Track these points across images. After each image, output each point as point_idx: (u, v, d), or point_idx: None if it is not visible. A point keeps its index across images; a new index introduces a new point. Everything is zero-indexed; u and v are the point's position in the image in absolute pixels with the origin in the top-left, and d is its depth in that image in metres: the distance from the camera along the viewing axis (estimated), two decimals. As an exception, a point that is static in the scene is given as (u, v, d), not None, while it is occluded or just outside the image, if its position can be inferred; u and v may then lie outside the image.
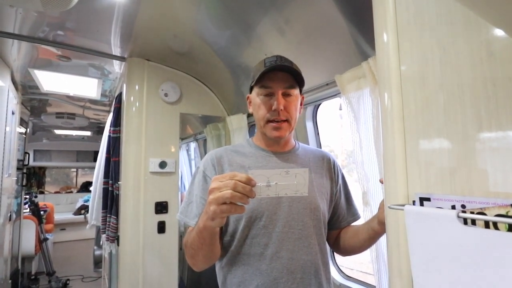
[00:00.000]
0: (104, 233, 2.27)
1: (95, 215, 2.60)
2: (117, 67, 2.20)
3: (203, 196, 0.88)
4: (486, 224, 0.44)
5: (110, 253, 2.36)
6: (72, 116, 3.64)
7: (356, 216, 1.03)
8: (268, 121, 0.89)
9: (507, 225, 0.42)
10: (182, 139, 3.28)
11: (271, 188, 0.67)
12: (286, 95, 0.89)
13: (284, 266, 0.84)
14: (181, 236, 2.17)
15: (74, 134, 5.17)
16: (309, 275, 0.85)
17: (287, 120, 0.90)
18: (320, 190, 0.93)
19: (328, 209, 0.96)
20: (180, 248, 2.11)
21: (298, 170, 0.68)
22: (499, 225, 0.42)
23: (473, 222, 0.45)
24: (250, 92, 0.96)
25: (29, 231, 3.51)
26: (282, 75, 0.89)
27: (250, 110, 0.97)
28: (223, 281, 0.90)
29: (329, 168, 1.00)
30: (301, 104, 0.97)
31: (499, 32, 0.47)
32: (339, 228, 1.02)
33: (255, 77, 0.90)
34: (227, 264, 0.89)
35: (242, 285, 0.85)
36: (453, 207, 0.50)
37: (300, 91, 0.95)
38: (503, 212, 0.43)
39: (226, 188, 0.63)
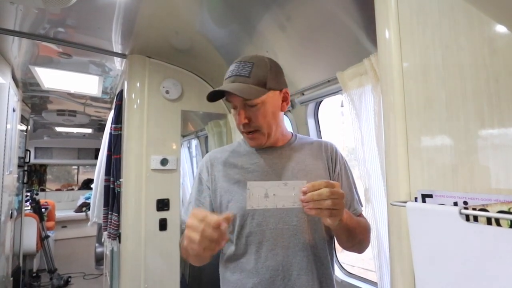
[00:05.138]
0: (106, 231, 2.27)
1: (96, 212, 2.60)
2: (118, 64, 2.20)
3: (198, 197, 0.95)
4: (488, 221, 0.44)
5: (112, 251, 2.37)
6: (73, 113, 3.64)
7: (358, 209, 0.94)
8: (243, 132, 0.90)
9: (509, 222, 0.42)
10: (183, 136, 3.29)
11: (269, 200, 0.69)
12: (250, 106, 0.85)
13: (280, 264, 0.83)
14: (182, 234, 2.17)
15: (75, 132, 5.17)
16: (306, 272, 0.84)
17: (258, 130, 0.87)
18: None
19: None
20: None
21: (297, 182, 0.69)
22: (501, 221, 0.43)
23: (475, 218, 0.45)
24: None
25: (30, 228, 3.52)
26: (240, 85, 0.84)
27: None
28: (223, 277, 0.92)
29: (326, 158, 0.95)
30: (285, 100, 0.92)
31: (501, 29, 0.47)
32: None
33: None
34: (226, 261, 0.91)
35: (240, 283, 0.86)
36: (455, 204, 0.50)
37: (273, 87, 0.88)
38: (505, 208, 0.43)
39: (196, 232, 0.64)
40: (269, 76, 0.86)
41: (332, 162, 0.95)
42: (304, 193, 0.68)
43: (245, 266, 0.86)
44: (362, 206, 0.98)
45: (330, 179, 0.91)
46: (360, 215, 0.95)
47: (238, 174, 0.92)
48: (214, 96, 0.86)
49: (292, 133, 1.01)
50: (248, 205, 0.71)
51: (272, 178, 0.89)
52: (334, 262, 0.94)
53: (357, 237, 0.87)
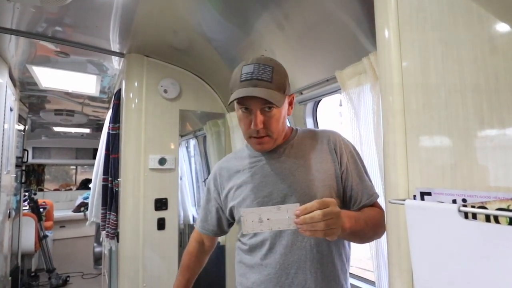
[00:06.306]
0: (104, 230, 2.27)
1: (94, 212, 2.60)
2: (116, 63, 2.19)
3: (206, 205, 1.06)
4: (487, 218, 0.44)
5: (110, 250, 2.36)
6: (71, 113, 3.62)
7: (372, 197, 0.90)
8: (250, 137, 0.89)
9: (508, 219, 0.42)
10: (181, 136, 3.28)
11: (263, 224, 0.72)
12: (266, 110, 0.85)
13: (277, 262, 0.85)
14: (180, 233, 2.17)
15: (73, 131, 5.15)
16: (303, 270, 0.84)
17: (268, 135, 0.87)
18: (318, 178, 0.88)
19: (336, 195, 0.89)
20: (180, 245, 2.11)
21: (289, 206, 0.70)
22: (500, 218, 0.42)
23: (474, 216, 0.45)
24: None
25: (28, 228, 3.50)
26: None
27: (236, 115, 0.95)
28: (236, 267, 0.98)
29: (330, 150, 0.91)
30: (290, 104, 0.93)
31: (502, 26, 0.47)
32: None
33: (232, 90, 0.86)
34: (237, 254, 0.98)
35: (244, 277, 0.92)
36: (454, 201, 0.50)
37: (288, 92, 0.89)
38: (504, 206, 0.43)
39: None
40: (287, 82, 0.87)
41: (337, 154, 0.91)
42: (297, 216, 0.68)
43: (249, 262, 0.91)
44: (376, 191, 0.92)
45: (338, 170, 0.90)
46: (375, 203, 0.91)
47: (239, 179, 0.95)
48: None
49: (292, 128, 1.00)
50: (244, 230, 0.74)
51: (270, 178, 0.90)
52: (344, 260, 0.91)
53: (366, 235, 0.85)
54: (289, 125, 1.00)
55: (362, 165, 0.94)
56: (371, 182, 0.93)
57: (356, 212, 0.84)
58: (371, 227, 0.84)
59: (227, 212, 0.99)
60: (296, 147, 0.94)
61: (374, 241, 1.19)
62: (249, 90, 0.81)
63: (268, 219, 0.71)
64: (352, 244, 0.97)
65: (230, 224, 1.07)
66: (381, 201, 0.95)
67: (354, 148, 0.96)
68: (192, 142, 3.41)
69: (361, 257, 4.63)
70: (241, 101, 0.84)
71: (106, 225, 2.20)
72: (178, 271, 1.10)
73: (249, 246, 0.92)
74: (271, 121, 0.86)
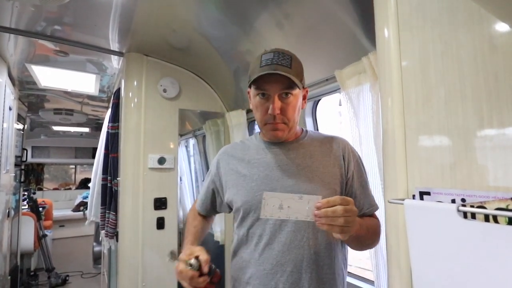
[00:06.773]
0: (103, 229, 2.27)
1: (94, 211, 2.60)
2: (115, 62, 2.19)
3: (209, 185, 1.05)
4: (486, 218, 0.44)
5: (109, 249, 2.36)
6: (70, 112, 3.62)
7: (372, 208, 0.93)
8: (266, 123, 0.89)
9: (507, 219, 0.42)
10: (181, 135, 3.28)
11: (283, 211, 0.71)
12: (284, 96, 0.86)
13: (275, 258, 0.85)
14: (180, 233, 2.17)
15: (72, 131, 5.14)
16: (299, 269, 0.84)
17: (284, 123, 0.88)
18: (323, 180, 0.89)
19: None
20: (180, 245, 2.11)
21: (312, 197, 0.70)
22: (499, 218, 0.43)
23: (473, 215, 0.45)
24: (250, 87, 0.93)
25: (28, 227, 3.50)
26: (279, 75, 0.83)
27: (251, 106, 0.95)
28: (231, 260, 0.97)
29: (338, 155, 0.93)
30: (304, 98, 0.94)
31: (502, 26, 0.47)
32: None
33: (250, 77, 0.87)
34: (234, 248, 0.96)
35: (240, 272, 0.91)
36: (453, 201, 0.50)
37: (303, 85, 0.91)
38: (503, 205, 0.43)
39: (184, 280, 0.80)
40: (303, 72, 0.90)
41: (345, 161, 0.93)
42: (318, 208, 0.68)
43: (245, 256, 0.91)
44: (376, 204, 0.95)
45: (344, 177, 0.91)
46: (373, 215, 0.94)
47: (244, 168, 0.94)
48: (255, 78, 0.85)
49: (302, 129, 1.01)
50: (262, 214, 0.73)
51: (276, 173, 0.90)
52: (340, 264, 0.91)
53: (366, 242, 0.88)
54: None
55: (366, 175, 0.96)
56: (372, 194, 0.96)
57: (360, 218, 0.84)
58: (370, 236, 0.87)
59: (225, 200, 0.98)
60: (305, 148, 0.94)
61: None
62: (271, 70, 0.82)
63: (288, 206, 0.70)
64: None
65: (224, 208, 1.06)
66: (380, 200, 0.95)
67: (360, 158, 0.98)
68: (192, 141, 3.41)
69: (360, 256, 4.64)
70: (260, 85, 0.86)
71: (106, 224, 2.20)
72: (186, 226, 1.08)
73: (244, 237, 0.91)
74: (288, 108, 0.87)
